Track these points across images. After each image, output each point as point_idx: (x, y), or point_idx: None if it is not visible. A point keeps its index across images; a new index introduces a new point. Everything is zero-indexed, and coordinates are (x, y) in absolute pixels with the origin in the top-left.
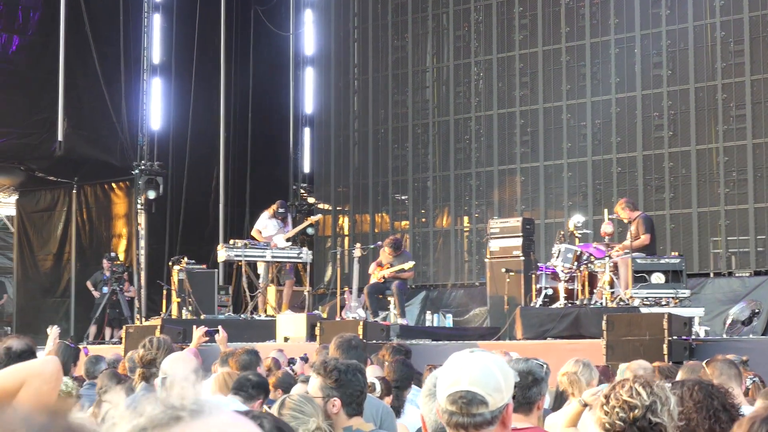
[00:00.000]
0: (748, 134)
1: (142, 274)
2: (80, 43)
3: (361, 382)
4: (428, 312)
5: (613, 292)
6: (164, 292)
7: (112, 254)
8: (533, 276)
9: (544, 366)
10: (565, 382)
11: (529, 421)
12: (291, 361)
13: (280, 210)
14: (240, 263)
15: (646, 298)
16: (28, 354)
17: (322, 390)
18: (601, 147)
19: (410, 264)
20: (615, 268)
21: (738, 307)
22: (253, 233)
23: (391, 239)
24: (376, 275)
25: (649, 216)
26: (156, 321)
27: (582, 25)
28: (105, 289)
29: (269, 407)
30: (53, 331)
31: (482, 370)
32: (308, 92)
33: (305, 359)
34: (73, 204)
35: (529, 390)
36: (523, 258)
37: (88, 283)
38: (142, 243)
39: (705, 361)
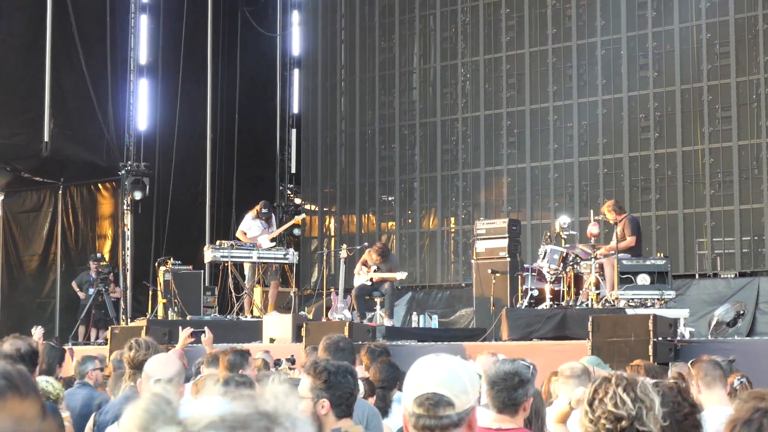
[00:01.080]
0: (733, 136)
1: (128, 274)
2: (67, 43)
3: (351, 384)
4: (414, 313)
5: (598, 294)
6: (150, 292)
7: (99, 255)
8: (519, 277)
9: (531, 367)
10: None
11: (514, 422)
12: (277, 363)
13: (264, 210)
14: (226, 264)
15: (632, 299)
16: (35, 356)
17: (311, 391)
18: (587, 148)
19: (402, 275)
20: (601, 270)
21: (723, 308)
22: (238, 234)
23: (378, 246)
24: (362, 276)
25: (636, 217)
26: (141, 322)
27: (568, 27)
28: (91, 290)
29: None
30: (37, 332)
31: (448, 372)
32: (295, 93)
33: (292, 360)
34: (59, 204)
35: (515, 391)
36: (509, 259)
37: (74, 284)
38: (128, 244)
39: (690, 362)
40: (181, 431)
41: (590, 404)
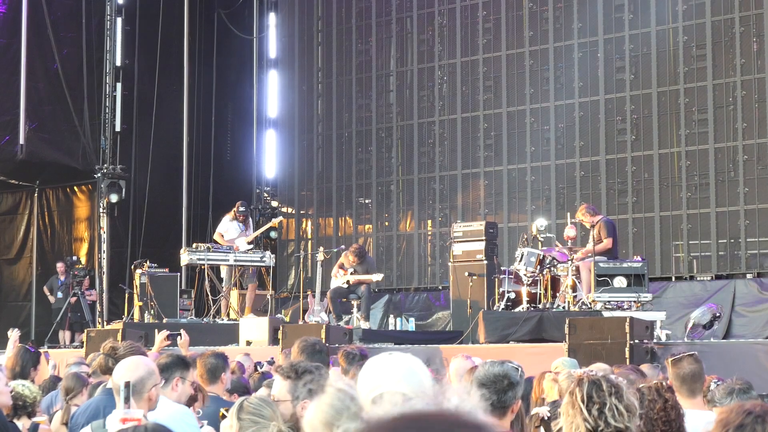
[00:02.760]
0: (710, 138)
1: (104, 277)
2: (42, 46)
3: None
4: (391, 316)
5: (575, 296)
6: (126, 295)
7: (74, 258)
8: (496, 280)
9: (519, 369)
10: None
11: (502, 425)
12: (258, 365)
13: (241, 209)
14: (203, 267)
15: (609, 301)
16: None
17: (291, 393)
18: (564, 151)
19: (379, 276)
20: (577, 272)
21: (699, 310)
22: (215, 237)
23: (355, 247)
24: (339, 278)
25: (611, 220)
26: (118, 325)
27: (545, 29)
28: (60, 294)
29: (226, 410)
30: (13, 334)
31: (406, 370)
32: (272, 95)
33: (272, 363)
34: (35, 207)
35: (504, 394)
36: (486, 262)
37: (45, 289)
38: (105, 247)
39: (671, 358)
40: (363, 428)
41: (588, 411)
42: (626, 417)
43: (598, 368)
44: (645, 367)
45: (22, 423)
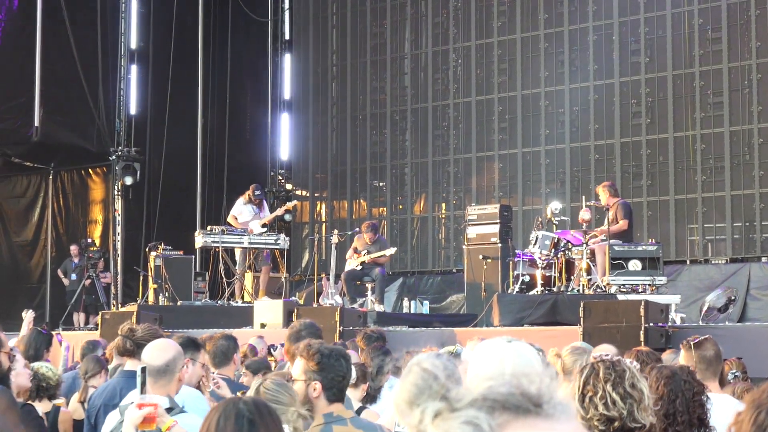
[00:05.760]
0: (725, 122)
1: (119, 260)
2: (57, 28)
3: (343, 368)
4: (405, 298)
5: (590, 279)
6: (141, 278)
7: (89, 240)
8: (510, 263)
9: (541, 353)
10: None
11: None
12: (271, 348)
13: (257, 192)
14: (217, 249)
15: (623, 285)
16: None
17: (304, 373)
18: (579, 134)
19: (392, 250)
20: (592, 255)
21: (714, 294)
22: (229, 219)
23: (369, 224)
24: (352, 261)
25: (628, 202)
26: (132, 307)
27: (560, 12)
28: (73, 276)
29: (243, 393)
30: (28, 316)
31: (524, 359)
32: (286, 78)
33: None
34: (50, 190)
35: None
36: (500, 245)
37: (59, 272)
38: (119, 229)
39: (695, 341)
40: (445, 406)
41: (581, 403)
42: (621, 405)
43: (604, 350)
44: (668, 353)
45: (42, 406)
